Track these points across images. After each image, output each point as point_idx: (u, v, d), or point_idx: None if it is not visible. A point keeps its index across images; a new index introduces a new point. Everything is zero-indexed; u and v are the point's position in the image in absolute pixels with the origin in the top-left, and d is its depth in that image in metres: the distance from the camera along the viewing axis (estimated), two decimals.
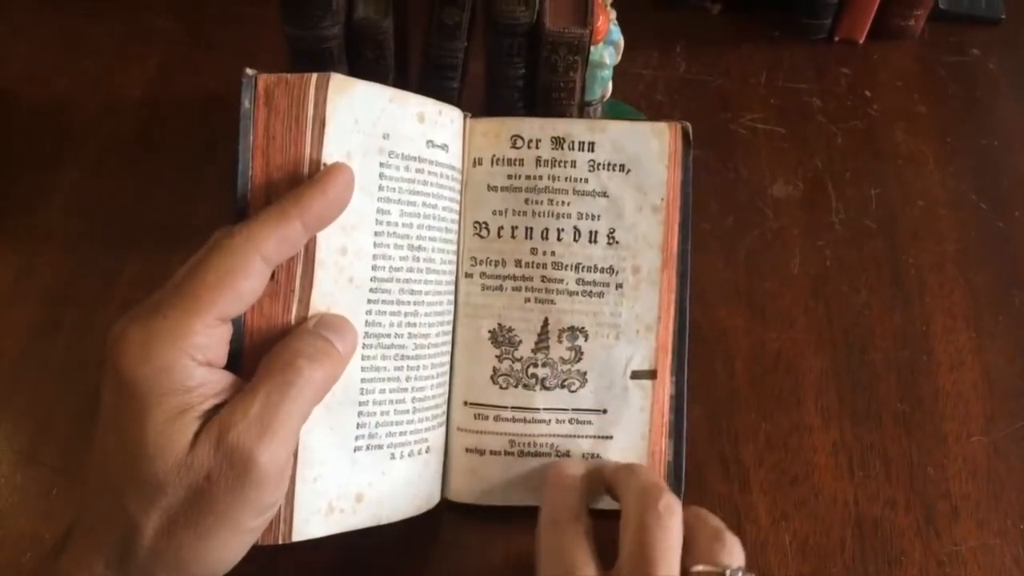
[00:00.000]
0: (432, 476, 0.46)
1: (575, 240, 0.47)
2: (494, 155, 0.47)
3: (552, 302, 0.47)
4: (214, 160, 0.61)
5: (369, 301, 0.42)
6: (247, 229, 0.37)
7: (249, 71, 0.40)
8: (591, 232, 0.47)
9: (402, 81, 0.54)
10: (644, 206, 0.47)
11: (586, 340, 0.47)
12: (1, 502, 0.49)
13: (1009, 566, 0.48)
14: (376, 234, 0.42)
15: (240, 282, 0.36)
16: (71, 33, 0.69)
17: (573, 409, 0.48)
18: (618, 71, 0.63)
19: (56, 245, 0.59)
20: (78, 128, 0.64)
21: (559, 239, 0.47)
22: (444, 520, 0.49)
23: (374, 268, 0.42)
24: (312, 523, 0.41)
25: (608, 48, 0.57)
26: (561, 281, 0.47)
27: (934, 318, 0.56)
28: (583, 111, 0.55)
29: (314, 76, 0.40)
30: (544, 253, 0.47)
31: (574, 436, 0.48)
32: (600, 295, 0.47)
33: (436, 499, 0.47)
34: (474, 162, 0.48)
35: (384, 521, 0.44)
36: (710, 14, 0.71)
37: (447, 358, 0.47)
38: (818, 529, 0.49)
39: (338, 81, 0.40)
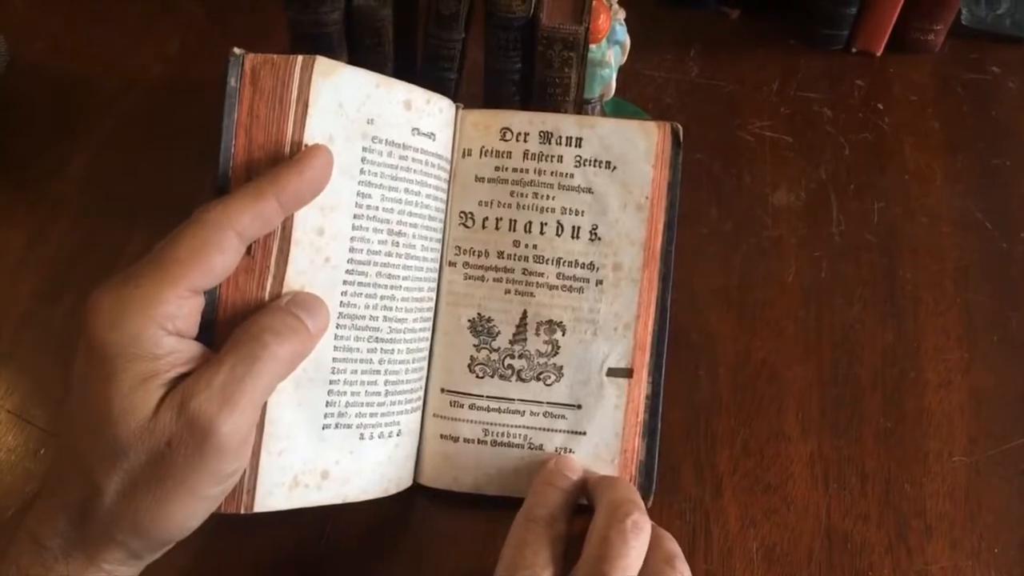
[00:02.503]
0: (403, 459, 0.47)
1: (557, 234, 0.47)
2: (483, 146, 0.48)
3: (532, 295, 0.48)
4: None
5: (345, 282, 0.43)
6: (223, 205, 0.38)
7: (236, 50, 0.41)
8: (574, 227, 0.47)
9: (405, 71, 0.55)
10: (628, 204, 0.48)
11: (563, 335, 0.48)
12: None
13: None
14: (355, 217, 0.43)
15: (213, 256, 0.37)
16: (101, 10, 0.70)
17: (548, 402, 0.48)
18: (629, 71, 0.64)
19: (66, 216, 0.60)
20: (97, 103, 0.66)
21: (542, 233, 0.47)
22: (416, 504, 0.49)
23: (351, 250, 0.43)
24: (276, 495, 0.42)
25: (613, 47, 0.57)
26: (542, 275, 0.48)
27: (926, 336, 0.56)
28: (582, 108, 0.55)
29: (300, 58, 0.41)
30: (526, 246, 0.48)
31: (547, 429, 0.48)
32: (580, 290, 0.47)
33: (407, 483, 0.48)
34: (464, 152, 0.48)
35: (351, 500, 0.45)
36: (728, 19, 0.71)
37: (425, 344, 0.48)
38: (786, 538, 0.49)
39: (323, 64, 0.41)
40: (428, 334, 0.48)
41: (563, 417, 0.48)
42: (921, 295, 0.57)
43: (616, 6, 0.56)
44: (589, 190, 0.47)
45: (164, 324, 0.36)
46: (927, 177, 0.63)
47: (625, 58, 0.59)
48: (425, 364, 0.48)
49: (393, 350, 0.45)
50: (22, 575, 0.35)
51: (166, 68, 0.67)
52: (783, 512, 0.49)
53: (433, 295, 0.48)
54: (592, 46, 0.53)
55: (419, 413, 0.48)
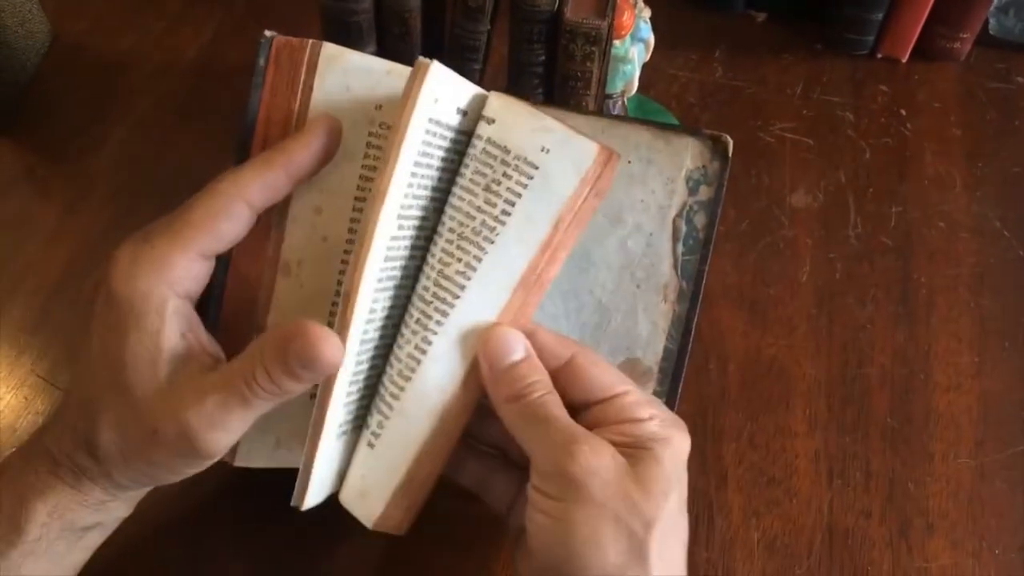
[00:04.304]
0: None
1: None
2: None
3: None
4: None
5: (343, 262, 0.43)
6: (234, 175, 0.40)
7: (268, 33, 0.43)
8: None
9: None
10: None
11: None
12: (21, 421, 0.53)
13: None
14: (356, 199, 0.43)
15: (222, 224, 0.39)
16: None
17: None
18: (653, 70, 0.65)
19: (99, 193, 0.62)
20: (134, 85, 0.68)
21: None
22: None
23: (351, 231, 0.43)
24: (258, 453, 0.44)
25: (637, 45, 0.58)
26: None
27: (938, 339, 0.56)
28: (603, 103, 0.56)
29: (310, 42, 0.42)
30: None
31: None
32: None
33: None
34: None
35: None
36: (755, 22, 0.72)
37: None
38: (788, 530, 0.49)
39: (330, 50, 0.42)
40: None
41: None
42: (935, 299, 0.58)
43: (641, 4, 0.57)
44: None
45: (173, 285, 0.38)
46: (946, 184, 0.63)
47: (649, 56, 0.60)
48: None
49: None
50: (40, 480, 0.39)
51: (201, 53, 0.69)
52: (786, 504, 0.50)
53: None
54: (616, 42, 0.54)
55: None
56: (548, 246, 0.39)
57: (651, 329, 0.45)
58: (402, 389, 0.41)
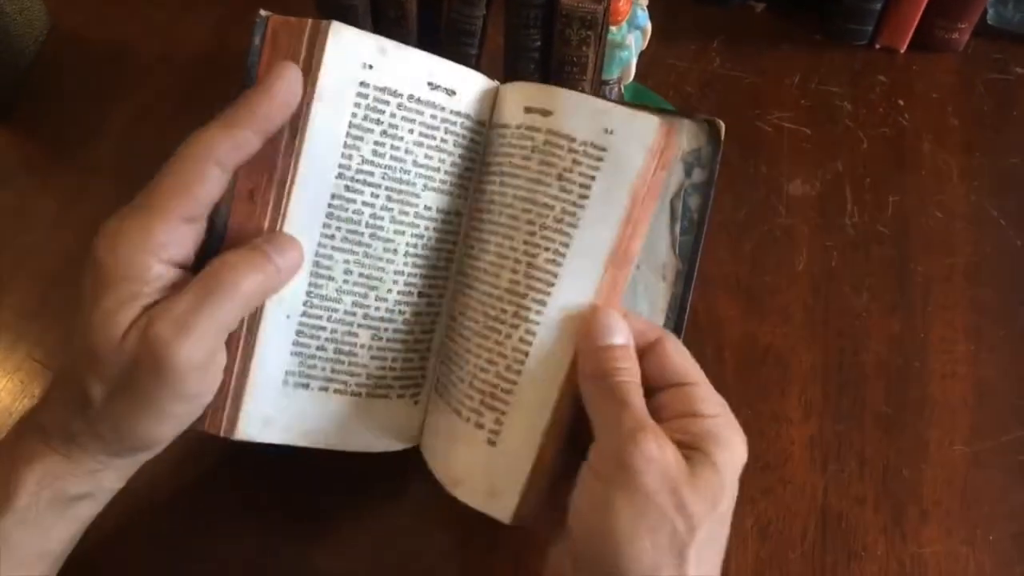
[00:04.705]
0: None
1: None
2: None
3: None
4: None
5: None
6: (200, 139, 0.40)
7: (263, 12, 0.43)
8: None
9: (427, 45, 0.56)
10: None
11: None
12: (17, 405, 0.53)
13: (972, 574, 0.48)
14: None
15: (195, 188, 0.39)
16: None
17: None
18: (651, 59, 0.65)
19: (100, 182, 0.62)
20: (135, 75, 0.67)
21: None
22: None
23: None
24: (253, 426, 0.44)
25: (634, 32, 0.58)
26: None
27: (934, 328, 0.56)
28: (599, 89, 0.56)
29: (309, 21, 0.43)
30: None
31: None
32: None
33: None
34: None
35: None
36: (753, 12, 0.71)
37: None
38: (782, 516, 0.49)
39: (332, 25, 0.42)
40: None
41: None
42: (931, 288, 0.58)
43: None
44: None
45: (157, 253, 0.39)
46: (944, 173, 0.63)
47: (646, 44, 0.60)
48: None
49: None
50: (30, 450, 0.40)
51: (201, 43, 0.69)
52: (779, 490, 0.50)
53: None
54: (612, 28, 0.54)
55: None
56: (629, 221, 0.41)
57: (650, 309, 0.45)
58: (515, 383, 0.42)
